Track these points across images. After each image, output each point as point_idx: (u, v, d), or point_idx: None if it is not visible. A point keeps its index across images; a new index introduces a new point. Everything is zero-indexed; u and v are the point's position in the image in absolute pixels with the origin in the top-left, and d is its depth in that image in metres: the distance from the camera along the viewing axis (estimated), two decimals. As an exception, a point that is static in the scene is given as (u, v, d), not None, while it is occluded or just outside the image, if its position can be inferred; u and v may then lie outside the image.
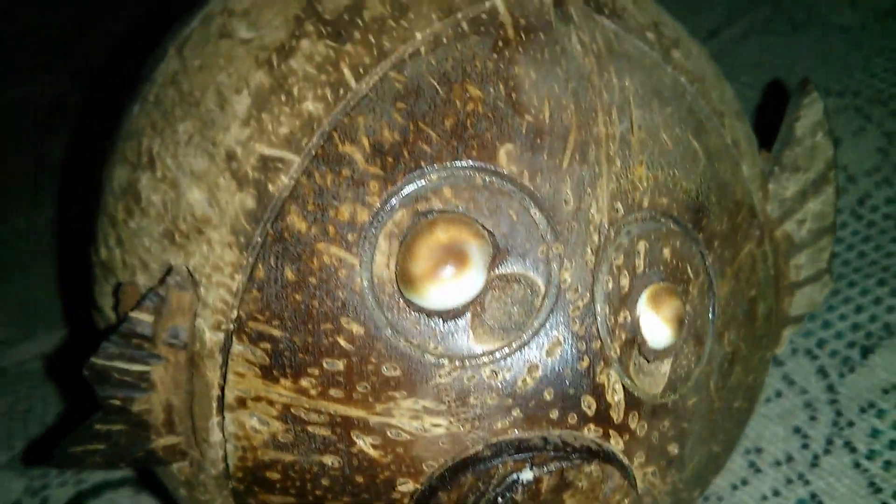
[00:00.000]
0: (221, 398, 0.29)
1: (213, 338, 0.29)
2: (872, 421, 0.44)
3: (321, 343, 0.28)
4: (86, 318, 0.39)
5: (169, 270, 0.29)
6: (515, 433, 0.28)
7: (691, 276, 0.31)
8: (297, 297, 0.28)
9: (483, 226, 0.28)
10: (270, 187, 0.28)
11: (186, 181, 0.30)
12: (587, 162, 0.29)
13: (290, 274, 0.28)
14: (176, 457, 0.31)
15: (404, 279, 0.27)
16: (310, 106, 0.29)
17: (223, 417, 0.29)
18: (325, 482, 0.29)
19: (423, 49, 0.29)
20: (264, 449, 0.29)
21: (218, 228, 0.29)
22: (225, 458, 0.30)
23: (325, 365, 0.28)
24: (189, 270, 0.29)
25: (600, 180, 0.29)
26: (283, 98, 0.29)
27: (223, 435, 0.29)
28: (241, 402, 0.29)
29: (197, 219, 0.29)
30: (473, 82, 0.29)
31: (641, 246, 0.30)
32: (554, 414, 0.28)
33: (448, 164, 0.28)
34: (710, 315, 0.32)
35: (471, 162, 0.28)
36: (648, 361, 0.30)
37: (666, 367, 0.30)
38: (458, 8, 0.30)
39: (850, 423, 0.44)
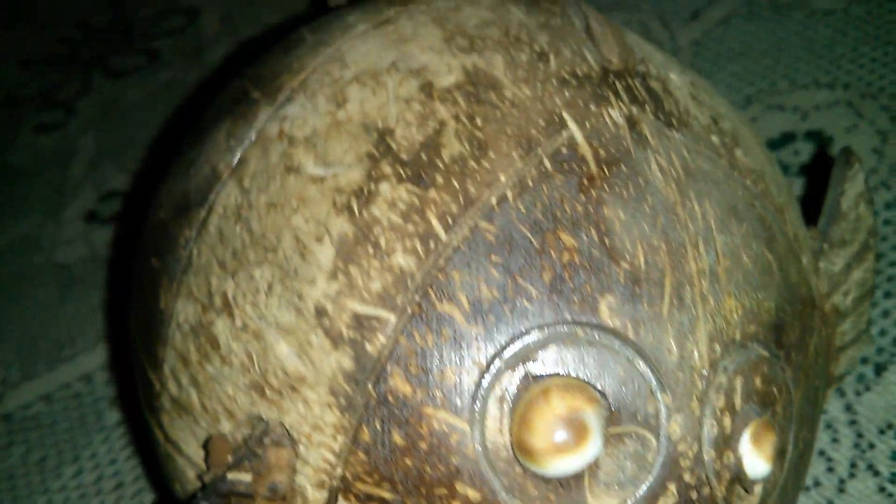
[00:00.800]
0: None
1: (316, 495, 0.29)
2: (892, 443, 0.46)
3: None
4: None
5: (264, 427, 0.29)
6: None
7: (777, 396, 0.31)
8: (408, 461, 0.28)
9: (595, 387, 0.28)
10: (368, 347, 0.28)
11: (272, 334, 0.29)
12: (684, 306, 0.29)
13: (398, 438, 0.28)
14: None
15: (522, 449, 0.27)
16: (400, 259, 0.28)
17: None
18: None
19: (509, 194, 0.29)
20: None
21: (314, 388, 0.28)
22: None
23: None
24: (286, 427, 0.29)
25: (698, 323, 0.29)
26: (371, 250, 0.28)
27: None
28: None
29: (289, 375, 0.29)
30: (566, 229, 0.29)
31: (738, 382, 0.30)
32: None
33: (550, 321, 0.28)
34: (790, 426, 0.33)
35: (573, 317, 0.28)
36: (747, 492, 0.31)
37: (759, 488, 0.31)
38: (538, 142, 0.30)
39: (871, 445, 0.46)
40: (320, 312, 0.29)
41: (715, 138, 0.33)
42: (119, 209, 0.73)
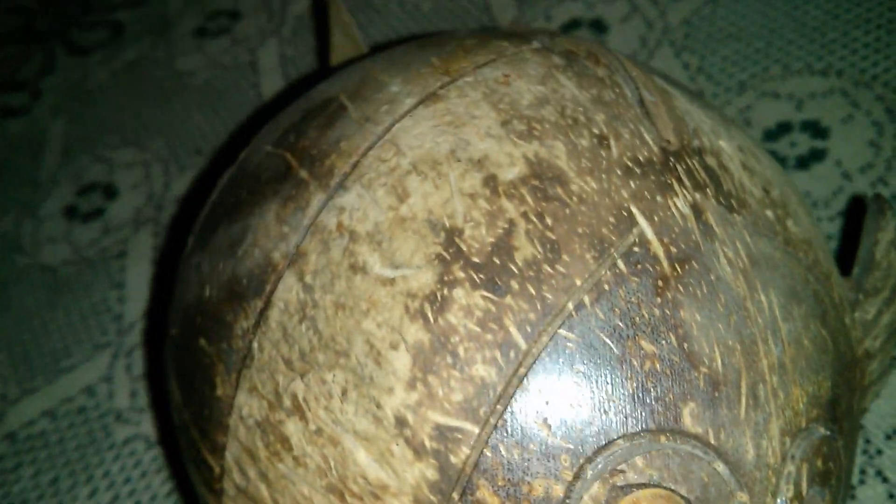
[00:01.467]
0: None
1: None
2: (900, 448, 0.48)
3: None
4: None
5: None
6: None
7: (833, 470, 0.32)
8: None
9: (680, 494, 0.28)
10: (452, 458, 0.28)
11: (350, 441, 0.29)
12: (759, 405, 0.30)
13: None
14: None
15: None
16: (480, 370, 0.28)
17: None
18: None
19: (587, 300, 0.29)
20: None
21: (398, 496, 0.29)
22: None
23: None
24: None
25: (771, 420, 0.30)
26: (449, 360, 0.28)
27: None
28: None
29: (371, 483, 0.29)
30: (645, 336, 0.29)
31: (804, 468, 0.31)
32: None
33: (636, 431, 0.28)
34: (842, 489, 0.34)
35: (658, 426, 0.28)
36: None
37: None
38: (610, 242, 0.29)
39: (879, 451, 0.48)
40: (401, 422, 0.29)
41: (770, 213, 0.33)
42: (100, 204, 0.71)
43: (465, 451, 0.28)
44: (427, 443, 0.28)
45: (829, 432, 0.32)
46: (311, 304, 0.30)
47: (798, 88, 0.61)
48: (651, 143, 0.32)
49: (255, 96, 0.74)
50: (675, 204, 0.31)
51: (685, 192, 0.31)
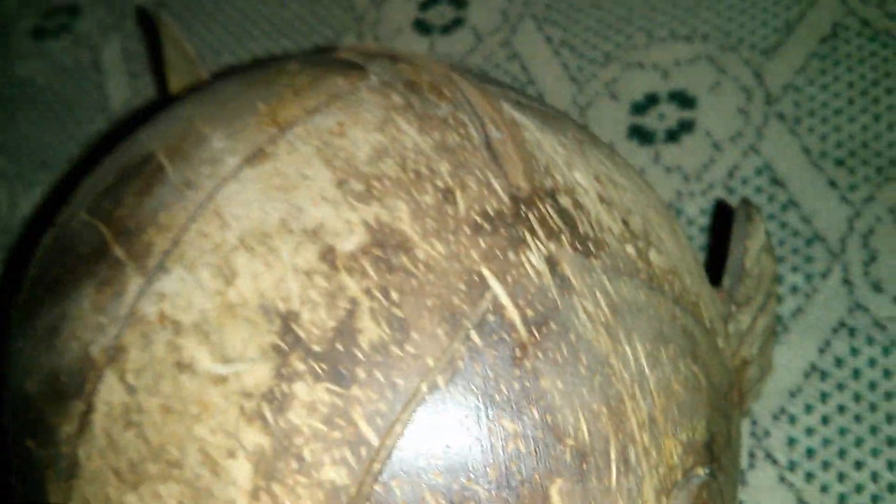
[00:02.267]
0: None
1: None
2: (786, 429, 0.47)
3: None
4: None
5: None
6: None
7: None
8: None
9: None
10: None
11: None
12: (630, 469, 0.28)
13: None
14: None
15: None
16: (330, 473, 0.25)
17: None
18: None
19: (440, 381, 0.26)
20: None
21: None
22: None
23: None
24: None
25: (644, 482, 0.28)
26: (295, 465, 0.25)
27: None
28: None
29: None
30: (506, 414, 0.26)
31: None
32: None
33: None
34: None
35: None
36: None
37: None
38: (462, 313, 0.27)
39: (767, 433, 0.47)
40: None
41: (630, 249, 0.31)
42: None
43: None
44: None
45: (707, 474, 0.30)
46: (136, 408, 0.27)
47: (663, 57, 0.59)
48: (500, 191, 0.29)
49: (101, 98, 0.69)
50: (528, 260, 0.28)
51: (539, 244, 0.29)
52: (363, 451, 0.25)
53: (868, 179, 0.52)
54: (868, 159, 0.52)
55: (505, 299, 0.27)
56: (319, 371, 0.26)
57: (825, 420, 0.46)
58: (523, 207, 0.29)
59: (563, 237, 0.29)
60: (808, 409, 0.46)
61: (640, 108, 0.57)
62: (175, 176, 0.30)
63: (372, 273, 0.27)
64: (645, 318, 0.30)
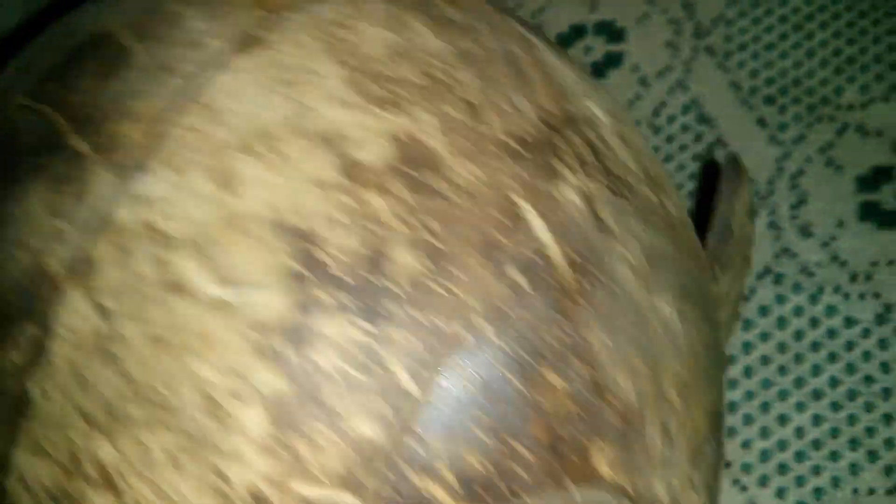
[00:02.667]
0: None
1: None
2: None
3: None
4: None
5: None
6: None
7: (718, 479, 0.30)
8: None
9: None
10: None
11: None
12: (670, 435, 0.25)
13: None
14: None
15: None
16: (365, 427, 0.21)
17: None
18: None
19: (487, 328, 0.22)
20: None
21: None
22: None
23: None
24: None
25: (679, 449, 0.26)
26: (319, 414, 0.21)
27: None
28: None
29: None
30: (553, 368, 0.23)
31: (704, 493, 0.27)
32: None
33: (551, 489, 0.23)
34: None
35: (570, 477, 0.23)
36: None
37: None
38: (502, 248, 0.23)
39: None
40: (257, 500, 0.21)
41: (650, 194, 0.28)
42: None
43: None
44: None
45: (717, 445, 0.28)
46: (113, 336, 0.22)
47: (590, -14, 0.55)
48: (529, 113, 0.26)
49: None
50: (565, 195, 0.25)
51: (575, 177, 0.25)
52: (401, 403, 0.22)
53: (799, 118, 0.49)
54: (800, 97, 0.50)
55: (547, 238, 0.24)
56: (349, 305, 0.22)
57: (748, 371, 0.44)
58: (556, 136, 0.25)
59: (598, 176, 0.26)
60: (731, 360, 0.44)
61: (566, 39, 0.54)
62: (146, 59, 0.25)
63: (404, 194, 0.23)
64: (672, 271, 0.27)
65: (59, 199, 0.24)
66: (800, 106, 0.49)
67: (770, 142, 0.49)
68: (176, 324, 0.22)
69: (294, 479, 0.21)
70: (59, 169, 0.24)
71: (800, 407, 0.43)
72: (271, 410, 0.21)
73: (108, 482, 0.22)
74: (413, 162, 0.23)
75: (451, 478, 0.22)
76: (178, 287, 0.22)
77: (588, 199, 0.25)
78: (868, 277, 0.45)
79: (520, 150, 0.25)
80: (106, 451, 0.22)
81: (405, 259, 0.22)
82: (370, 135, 0.23)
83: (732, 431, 0.43)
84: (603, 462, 0.24)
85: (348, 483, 0.21)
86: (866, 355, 0.43)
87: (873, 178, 0.47)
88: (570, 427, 0.23)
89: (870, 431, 0.42)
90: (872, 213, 0.46)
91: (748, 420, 0.43)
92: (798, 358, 0.44)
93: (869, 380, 0.43)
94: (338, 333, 0.22)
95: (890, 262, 0.45)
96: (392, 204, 0.23)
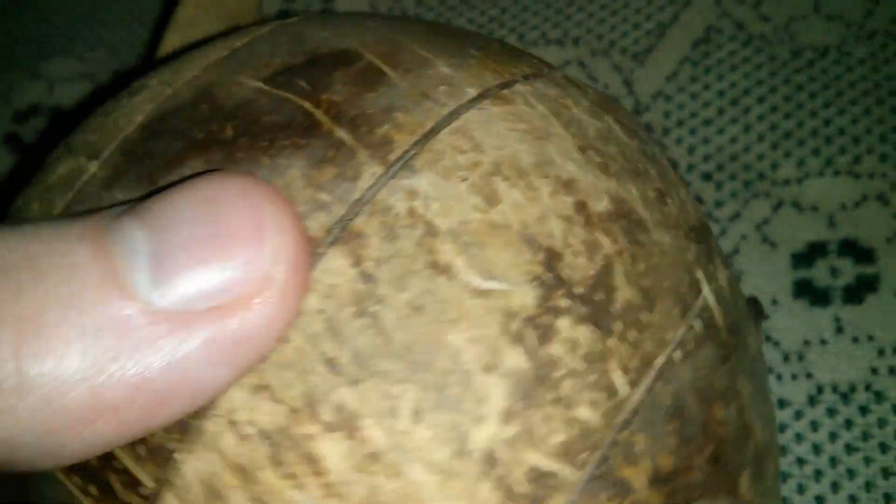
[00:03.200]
0: None
1: None
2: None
3: None
4: None
5: None
6: None
7: None
8: None
9: None
10: None
11: (419, 472, 0.23)
12: (776, 477, 0.31)
13: None
14: None
15: None
16: (585, 413, 0.24)
17: None
18: None
19: (676, 357, 0.26)
20: None
21: None
22: None
23: None
24: None
25: (778, 490, 0.31)
26: (552, 395, 0.24)
27: None
28: None
29: None
30: (719, 402, 0.27)
31: None
32: None
33: (709, 498, 0.27)
34: None
35: (724, 492, 0.27)
36: None
37: None
38: (688, 301, 0.27)
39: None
40: (491, 459, 0.23)
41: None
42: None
43: (561, 499, 0.24)
44: (521, 487, 0.24)
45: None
46: (374, 298, 0.24)
47: (534, 61, 0.56)
48: (692, 212, 0.30)
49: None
50: (719, 277, 0.29)
51: (723, 266, 0.30)
52: (615, 399, 0.25)
53: (735, 195, 0.50)
54: (736, 173, 0.51)
55: (713, 303, 0.28)
56: (582, 313, 0.25)
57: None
58: (704, 235, 0.30)
59: (723, 270, 0.31)
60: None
61: (508, 115, 0.55)
62: (404, 83, 0.28)
63: (622, 239, 0.26)
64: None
65: (321, 176, 0.25)
66: (736, 182, 0.50)
67: (707, 219, 0.49)
68: (437, 297, 0.24)
69: (525, 446, 0.24)
70: (322, 151, 0.26)
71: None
72: (514, 385, 0.24)
73: (347, 426, 0.23)
74: (627, 218, 0.27)
75: (647, 469, 0.25)
76: (441, 268, 0.24)
77: (731, 283, 0.30)
78: (800, 357, 0.45)
79: (692, 234, 0.29)
80: (348, 397, 0.23)
81: (623, 287, 0.26)
82: (596, 189, 0.27)
83: None
84: (744, 484, 0.28)
85: (569, 457, 0.24)
86: (798, 437, 0.44)
87: (808, 254, 0.48)
88: (728, 451, 0.27)
89: (803, 511, 0.43)
90: (805, 291, 0.47)
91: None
92: (733, 437, 0.45)
93: (801, 461, 0.43)
94: (571, 333, 0.25)
95: (822, 342, 0.46)
96: (613, 243, 0.26)
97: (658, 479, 0.26)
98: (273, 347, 0.23)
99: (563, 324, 0.25)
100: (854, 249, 0.48)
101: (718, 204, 0.50)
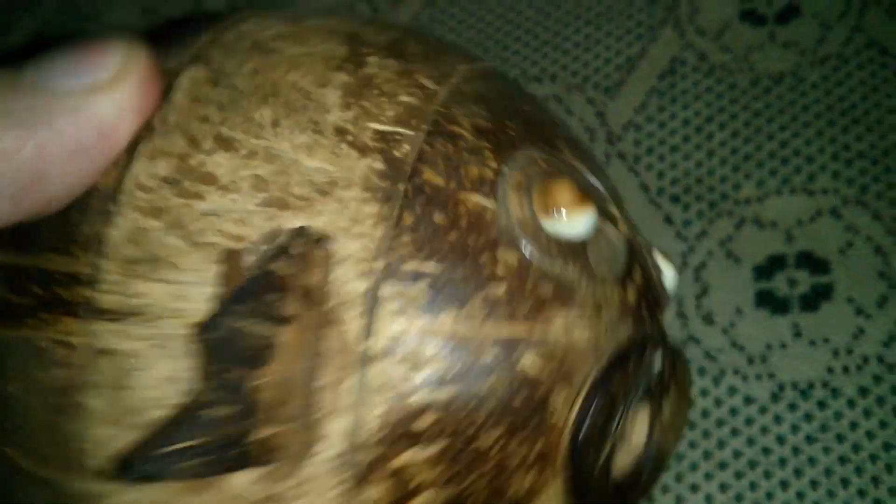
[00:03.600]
0: (364, 351, 0.29)
1: (357, 287, 0.29)
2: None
3: (482, 273, 0.30)
4: None
5: (292, 232, 0.28)
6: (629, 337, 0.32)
7: None
8: (452, 236, 0.29)
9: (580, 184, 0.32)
10: (396, 153, 0.30)
11: (290, 153, 0.30)
12: None
13: (439, 219, 0.29)
14: (266, 456, 0.28)
15: (544, 211, 0.31)
16: (407, 98, 0.31)
17: (363, 373, 0.28)
18: (482, 413, 0.30)
19: (469, 73, 0.33)
20: (420, 392, 0.29)
21: (348, 188, 0.29)
22: (353, 429, 0.28)
23: (488, 290, 0.30)
24: (316, 229, 0.29)
25: None
26: (376, 92, 0.31)
27: (357, 395, 0.28)
28: (392, 348, 0.29)
29: (316, 183, 0.29)
30: (522, 98, 0.34)
31: None
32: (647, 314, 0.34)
33: (533, 145, 0.32)
34: None
35: (548, 147, 0.32)
36: None
37: None
38: (469, 57, 0.34)
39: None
40: (342, 131, 0.30)
41: None
42: None
43: (407, 147, 0.30)
44: (370, 143, 0.30)
45: None
46: (224, 74, 0.31)
47: (516, 96, 0.61)
48: None
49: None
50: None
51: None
52: (427, 91, 0.31)
53: (702, 215, 0.55)
54: (702, 195, 0.56)
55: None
56: (386, 52, 0.32)
57: (661, 449, 0.50)
58: None
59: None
60: (647, 439, 0.50)
61: (494, 147, 0.60)
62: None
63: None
64: None
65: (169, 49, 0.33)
66: (702, 203, 0.56)
67: (676, 237, 0.55)
68: (270, 62, 0.32)
69: (365, 120, 0.30)
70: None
71: (708, 476, 0.49)
72: (344, 90, 0.31)
73: (224, 145, 0.30)
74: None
75: (469, 126, 0.31)
76: (269, 50, 0.32)
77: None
78: (763, 360, 0.51)
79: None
80: (221, 130, 0.30)
81: (413, 46, 0.33)
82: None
83: (650, 499, 0.49)
84: (563, 145, 0.33)
85: (403, 123, 0.31)
86: (763, 429, 0.49)
87: (769, 267, 0.53)
88: (539, 119, 0.34)
89: (769, 496, 0.48)
90: (767, 301, 0.52)
91: (665, 489, 0.49)
92: (705, 434, 0.50)
93: (767, 451, 0.49)
94: (380, 62, 0.32)
95: (782, 346, 0.51)
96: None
97: (480, 131, 0.31)
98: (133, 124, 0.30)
99: (373, 59, 0.32)
100: (810, 261, 0.53)
101: (686, 224, 0.55)
